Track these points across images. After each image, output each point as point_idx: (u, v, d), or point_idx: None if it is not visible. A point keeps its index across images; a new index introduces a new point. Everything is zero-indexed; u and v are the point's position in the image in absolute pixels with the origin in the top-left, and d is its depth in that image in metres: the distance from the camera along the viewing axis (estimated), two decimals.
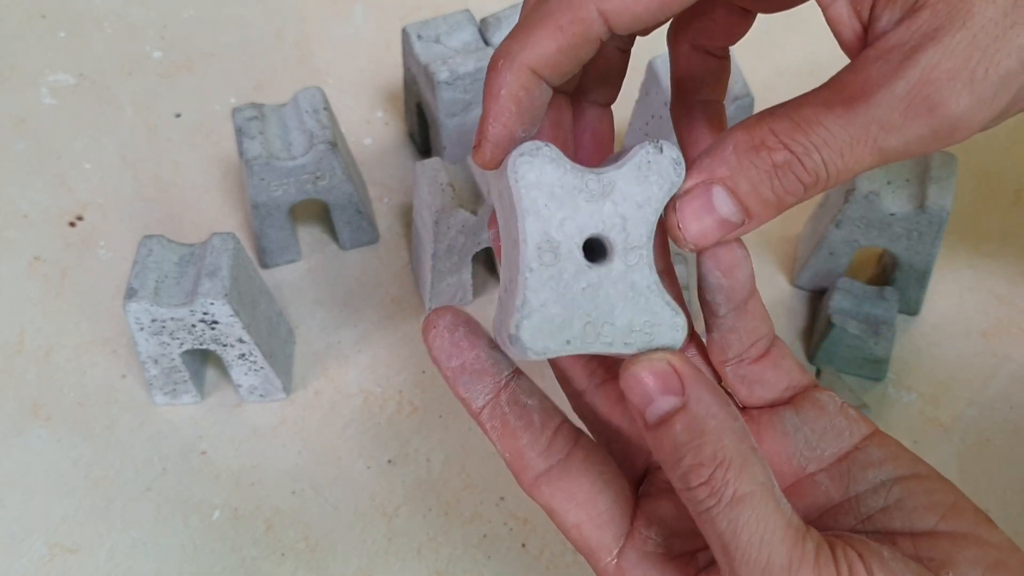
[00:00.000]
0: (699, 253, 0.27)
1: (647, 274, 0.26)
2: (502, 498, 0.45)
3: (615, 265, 0.26)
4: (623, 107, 0.58)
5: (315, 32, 0.63)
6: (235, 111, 0.48)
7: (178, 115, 0.59)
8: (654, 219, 0.26)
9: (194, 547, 0.43)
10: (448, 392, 0.48)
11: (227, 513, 0.44)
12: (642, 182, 0.26)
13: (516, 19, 0.51)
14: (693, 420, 0.25)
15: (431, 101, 0.51)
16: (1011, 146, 0.57)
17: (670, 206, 0.26)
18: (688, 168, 0.27)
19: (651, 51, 0.52)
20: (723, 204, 0.26)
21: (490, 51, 0.50)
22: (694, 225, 0.26)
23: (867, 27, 0.26)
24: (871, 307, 0.47)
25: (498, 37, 0.51)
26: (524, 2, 0.28)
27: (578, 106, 0.30)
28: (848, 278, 0.48)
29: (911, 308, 0.50)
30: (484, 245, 0.48)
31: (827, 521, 0.28)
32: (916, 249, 0.47)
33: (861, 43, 0.26)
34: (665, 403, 0.25)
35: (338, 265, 0.53)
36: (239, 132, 0.48)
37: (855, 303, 0.47)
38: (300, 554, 0.43)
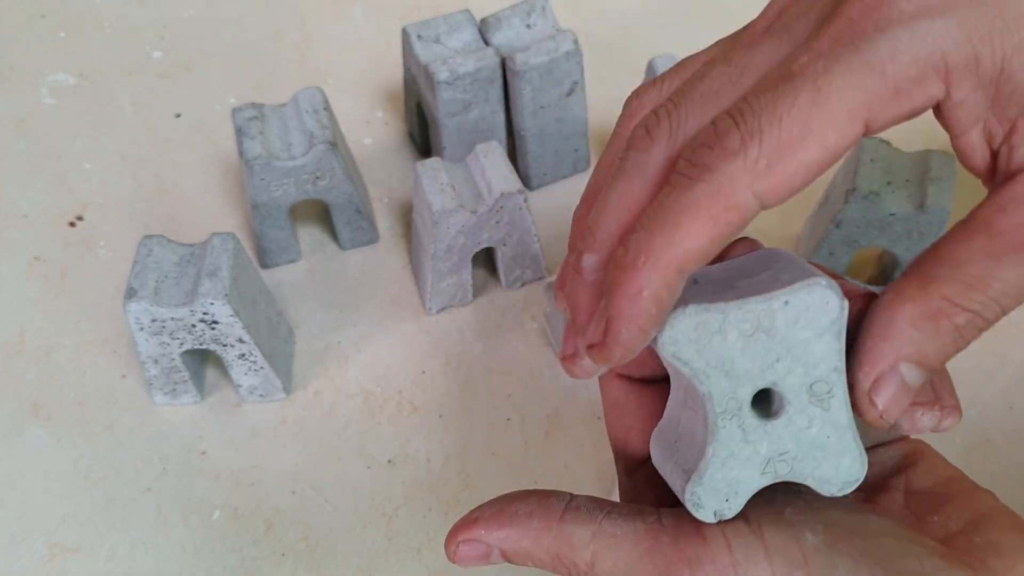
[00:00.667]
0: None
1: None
2: None
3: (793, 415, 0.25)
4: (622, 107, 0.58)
5: (315, 32, 0.63)
6: (235, 111, 0.48)
7: (178, 115, 0.59)
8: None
9: (194, 547, 0.43)
10: (448, 392, 0.48)
11: (227, 513, 0.44)
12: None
13: (516, 19, 0.51)
14: (517, 554, 0.27)
15: (431, 101, 0.51)
16: None
17: (866, 399, 0.25)
18: (865, 361, 0.25)
19: (651, 51, 0.52)
20: (914, 378, 0.25)
21: (490, 51, 0.50)
22: (895, 410, 0.25)
23: (996, 153, 0.25)
24: None
25: (498, 37, 0.51)
26: (600, 166, 0.27)
27: None
28: (848, 278, 0.48)
29: None
30: (484, 245, 0.48)
31: None
32: (916, 249, 0.47)
33: (991, 170, 0.25)
34: (493, 559, 0.28)
35: (338, 265, 0.53)
36: (239, 132, 0.48)
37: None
38: (300, 554, 0.43)
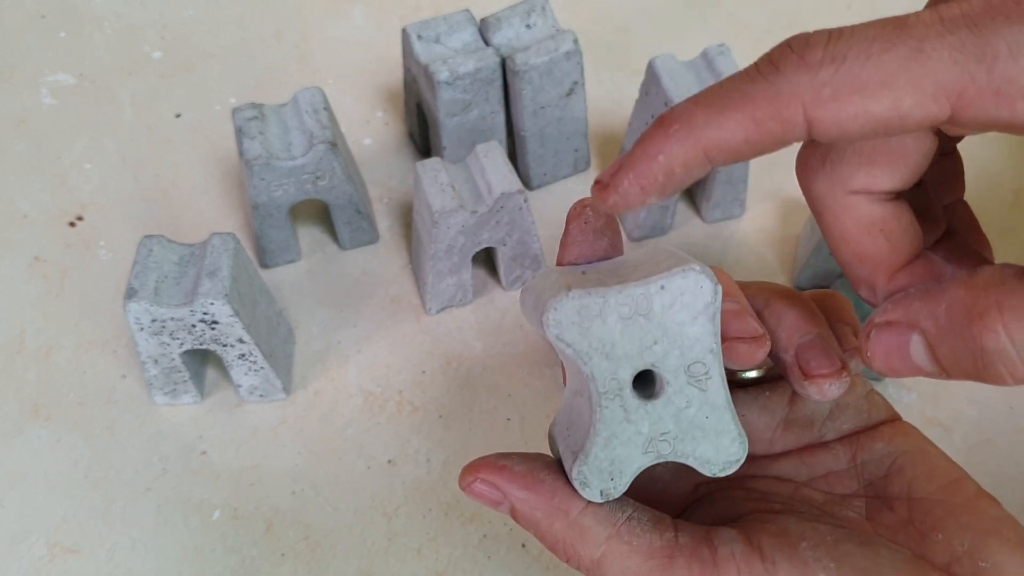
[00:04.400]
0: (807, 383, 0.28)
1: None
2: None
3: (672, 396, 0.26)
4: (623, 107, 0.58)
5: (315, 32, 0.63)
6: (235, 111, 0.48)
7: (178, 115, 0.59)
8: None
9: (194, 547, 0.43)
10: (448, 392, 0.48)
11: (227, 513, 0.44)
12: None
13: (516, 19, 0.51)
14: (524, 518, 0.28)
15: (431, 101, 0.51)
16: (1010, 147, 0.57)
17: (864, 332, 0.25)
18: (892, 299, 0.24)
19: (651, 51, 0.52)
20: (920, 356, 0.24)
21: (490, 51, 0.50)
22: (882, 362, 0.24)
23: None
24: (871, 307, 0.47)
25: (498, 37, 0.51)
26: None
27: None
28: (847, 278, 0.48)
29: None
30: (484, 245, 0.48)
31: (832, 483, 0.30)
32: None
33: None
34: (501, 508, 0.28)
35: (338, 265, 0.53)
36: (239, 132, 0.48)
37: (855, 303, 0.47)
38: (300, 554, 0.43)
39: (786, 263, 0.53)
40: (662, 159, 0.23)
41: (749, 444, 0.29)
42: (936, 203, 0.28)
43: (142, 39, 0.62)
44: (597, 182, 0.25)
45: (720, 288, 0.25)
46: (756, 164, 0.55)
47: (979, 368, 0.22)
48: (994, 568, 0.26)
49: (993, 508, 0.27)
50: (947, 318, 0.22)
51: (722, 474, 0.27)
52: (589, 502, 0.27)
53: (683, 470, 0.31)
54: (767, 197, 0.55)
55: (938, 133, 0.25)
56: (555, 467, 0.28)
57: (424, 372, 0.49)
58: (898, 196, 0.25)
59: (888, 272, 0.25)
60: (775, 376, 0.32)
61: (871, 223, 0.25)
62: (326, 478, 0.45)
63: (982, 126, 0.21)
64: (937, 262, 0.26)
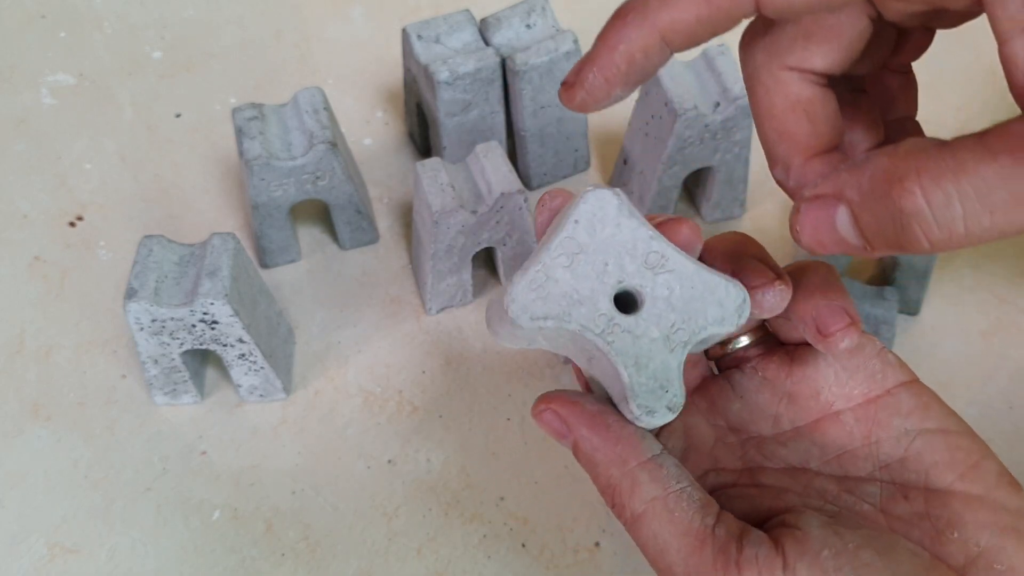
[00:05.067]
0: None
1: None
2: (502, 498, 0.45)
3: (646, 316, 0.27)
4: (623, 107, 0.58)
5: (315, 32, 0.63)
6: (235, 111, 0.48)
7: (178, 115, 0.59)
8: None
9: (194, 547, 0.43)
10: (448, 392, 0.48)
11: (227, 513, 0.44)
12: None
13: (516, 19, 0.51)
14: (584, 456, 0.28)
15: (431, 101, 0.51)
16: None
17: (794, 208, 0.25)
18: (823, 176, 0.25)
19: None
20: (845, 227, 0.24)
21: (490, 51, 0.50)
22: (810, 235, 0.24)
23: None
24: (871, 307, 0.47)
25: (498, 37, 0.51)
26: None
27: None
28: (848, 278, 0.48)
29: (911, 308, 0.50)
30: (484, 245, 0.48)
31: (845, 464, 0.29)
32: None
33: None
34: (565, 442, 0.28)
35: (338, 265, 0.53)
36: (239, 132, 0.48)
37: (855, 303, 0.47)
38: (300, 554, 0.43)
39: (786, 263, 0.53)
40: (622, 48, 0.24)
41: (754, 425, 0.31)
42: (882, 114, 0.29)
43: (142, 39, 0.62)
44: (563, 84, 0.26)
45: (619, 191, 0.28)
46: (756, 164, 0.55)
47: (898, 234, 0.22)
48: (1009, 572, 0.25)
49: (1014, 498, 0.27)
50: (869, 185, 0.23)
51: (740, 321, 0.27)
52: (650, 457, 0.27)
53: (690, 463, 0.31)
54: (767, 197, 0.55)
55: (877, 22, 0.26)
56: (625, 423, 0.28)
57: (424, 372, 0.48)
58: (828, 84, 0.26)
59: (804, 154, 0.26)
60: (766, 346, 0.31)
61: (797, 101, 0.26)
62: (326, 478, 0.45)
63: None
64: (858, 157, 0.26)
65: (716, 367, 0.33)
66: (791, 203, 0.59)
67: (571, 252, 0.27)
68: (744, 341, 0.31)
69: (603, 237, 0.27)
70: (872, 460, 0.29)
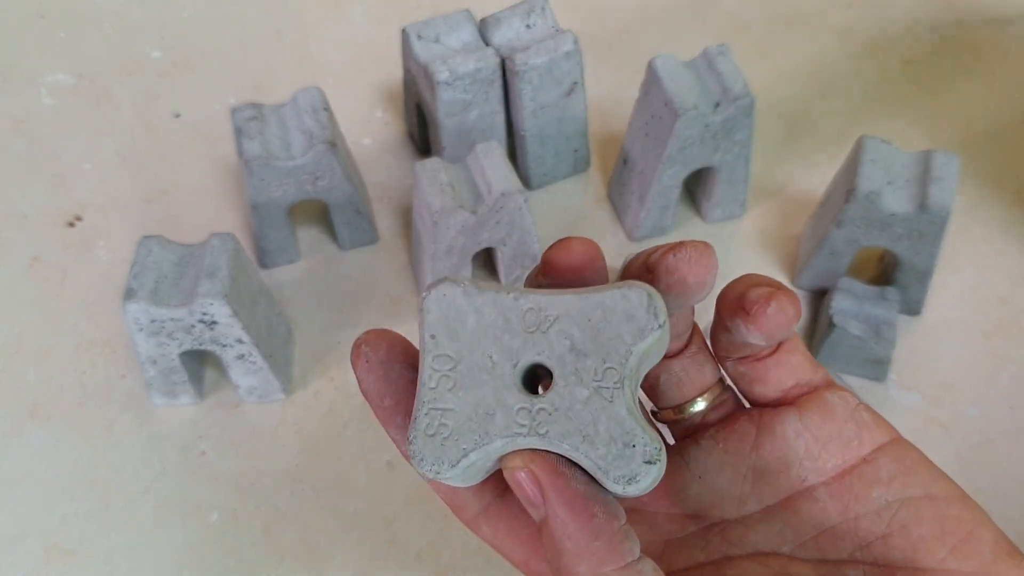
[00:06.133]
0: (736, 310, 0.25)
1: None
2: None
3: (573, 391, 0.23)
4: (624, 107, 0.58)
5: (314, 32, 0.63)
6: (234, 111, 0.48)
7: (177, 115, 0.59)
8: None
9: (192, 549, 0.43)
10: None
11: (226, 515, 0.44)
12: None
13: (516, 19, 0.51)
14: (552, 538, 0.23)
15: (430, 101, 0.50)
16: (1013, 146, 0.57)
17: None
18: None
19: (651, 51, 0.52)
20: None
21: (490, 51, 0.49)
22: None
23: None
24: (872, 307, 0.47)
25: (498, 37, 0.51)
26: None
27: None
28: (849, 278, 0.48)
29: (912, 308, 0.50)
30: (484, 245, 0.48)
31: (823, 546, 0.26)
32: (917, 249, 0.47)
33: None
34: (533, 511, 0.23)
35: (337, 265, 0.52)
36: (238, 132, 0.48)
37: (856, 303, 0.47)
38: (298, 556, 0.43)
39: (787, 263, 0.53)
40: None
41: (716, 509, 0.27)
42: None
43: (141, 39, 0.62)
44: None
45: (449, 278, 0.24)
46: (757, 164, 0.54)
47: None
48: None
49: (1013, 572, 0.24)
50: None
51: (661, 320, 0.23)
52: (628, 563, 0.23)
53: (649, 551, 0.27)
54: (768, 197, 0.55)
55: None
56: (612, 504, 0.24)
57: None
58: None
59: None
60: (726, 414, 0.28)
61: None
62: (325, 480, 0.45)
63: None
64: None
65: (671, 434, 0.29)
66: (792, 202, 0.59)
67: (447, 371, 0.23)
68: (701, 405, 0.27)
69: (469, 333, 0.23)
70: (852, 539, 0.25)
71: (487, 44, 0.51)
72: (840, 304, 0.47)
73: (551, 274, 0.25)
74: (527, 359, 0.23)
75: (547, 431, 0.23)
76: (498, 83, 0.50)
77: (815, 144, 0.57)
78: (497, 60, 0.49)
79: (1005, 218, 0.55)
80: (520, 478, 0.23)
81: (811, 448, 0.26)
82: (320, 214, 0.54)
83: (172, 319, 0.42)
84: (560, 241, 0.25)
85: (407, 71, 0.53)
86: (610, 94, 0.59)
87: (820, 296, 0.51)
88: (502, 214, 0.46)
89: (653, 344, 0.23)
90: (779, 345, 0.26)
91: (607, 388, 0.23)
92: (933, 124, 0.58)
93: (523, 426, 0.23)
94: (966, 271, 0.52)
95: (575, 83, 0.51)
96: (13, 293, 0.51)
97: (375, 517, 0.44)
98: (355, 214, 0.51)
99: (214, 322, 0.42)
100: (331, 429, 0.47)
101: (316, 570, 0.43)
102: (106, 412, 0.47)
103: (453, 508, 0.26)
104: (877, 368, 0.47)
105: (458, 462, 0.23)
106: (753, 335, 0.25)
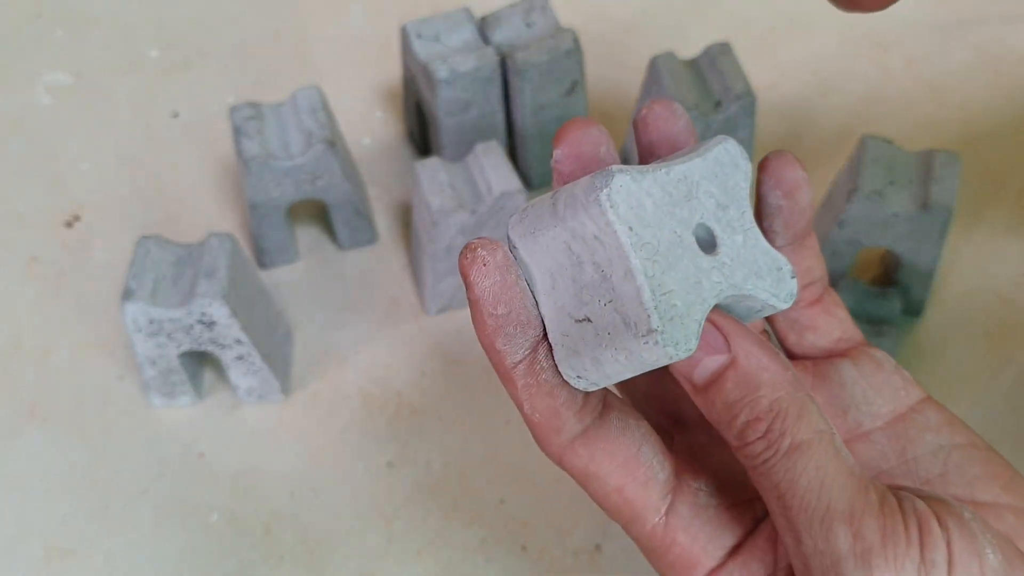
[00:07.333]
0: (761, 172, 0.28)
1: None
2: (502, 501, 0.44)
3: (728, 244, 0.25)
4: (624, 106, 0.58)
5: (313, 31, 0.63)
6: (233, 110, 0.48)
7: (176, 115, 0.59)
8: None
9: (191, 550, 0.43)
10: (447, 394, 0.48)
11: (225, 516, 0.44)
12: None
13: (516, 18, 0.51)
14: (744, 375, 0.24)
15: (430, 100, 0.50)
16: (1015, 145, 0.57)
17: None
18: None
19: (652, 50, 0.52)
20: None
21: (490, 50, 0.49)
22: None
23: None
24: (874, 308, 0.47)
25: (498, 35, 0.50)
26: None
27: None
28: (851, 278, 0.48)
29: (914, 309, 0.50)
30: None
31: (884, 481, 0.27)
32: (919, 249, 0.47)
33: None
34: (712, 362, 0.24)
35: (337, 265, 0.52)
36: (237, 131, 0.47)
37: (858, 303, 0.47)
38: (298, 557, 0.43)
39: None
40: None
41: None
42: None
43: (139, 38, 0.62)
44: None
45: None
46: (758, 163, 0.54)
47: None
48: None
49: None
50: None
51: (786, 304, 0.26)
52: (809, 392, 0.25)
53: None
54: None
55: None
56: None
57: (423, 373, 0.48)
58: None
59: None
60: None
61: None
62: (325, 480, 0.45)
63: None
64: None
65: None
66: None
67: (654, 257, 0.24)
68: None
69: (651, 216, 0.24)
70: (912, 478, 0.27)
71: (487, 43, 0.50)
72: None
73: (655, 142, 0.28)
74: (695, 223, 0.25)
75: (734, 280, 0.25)
76: (498, 82, 0.50)
77: (816, 143, 0.57)
78: (497, 59, 0.49)
79: (1007, 218, 0.54)
80: (703, 329, 0.24)
81: (867, 395, 0.28)
82: (319, 214, 0.54)
83: (171, 319, 0.42)
84: (643, 113, 0.27)
85: (407, 70, 0.53)
86: (611, 93, 0.59)
87: None
88: (502, 214, 0.46)
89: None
90: (823, 296, 0.29)
91: (749, 228, 0.26)
92: (935, 124, 0.58)
93: (720, 282, 0.25)
94: (968, 271, 0.52)
95: (575, 82, 0.51)
96: (11, 294, 0.51)
97: (375, 517, 0.44)
98: (354, 214, 0.51)
99: (213, 322, 0.42)
100: (331, 429, 0.46)
101: (316, 570, 0.43)
102: (105, 413, 0.47)
103: (547, 433, 0.26)
104: None
105: (697, 332, 0.24)
106: (773, 194, 0.28)
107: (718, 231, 0.25)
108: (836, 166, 0.51)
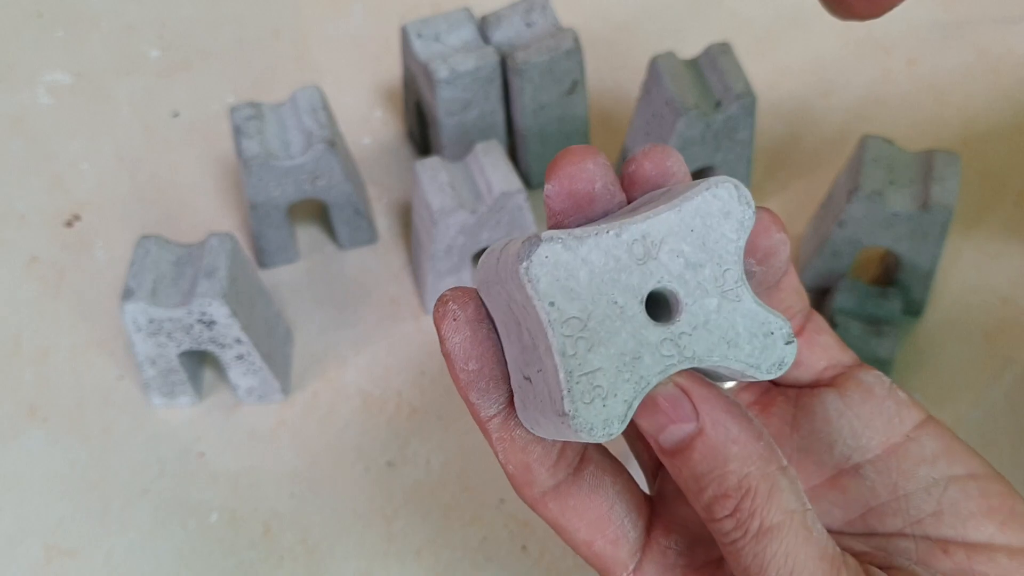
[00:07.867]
0: None
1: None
2: (502, 500, 0.44)
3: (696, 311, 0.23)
4: (625, 105, 0.58)
5: (313, 31, 0.63)
6: (233, 110, 0.48)
7: (176, 114, 0.59)
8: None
9: (192, 550, 0.43)
10: (447, 393, 0.48)
11: (225, 515, 0.44)
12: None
13: (516, 17, 0.51)
14: (712, 447, 0.23)
15: (430, 100, 0.50)
16: (1015, 146, 0.57)
17: None
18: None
19: (653, 49, 0.52)
20: None
21: (490, 49, 0.49)
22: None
23: None
24: (874, 307, 0.47)
25: (498, 35, 0.50)
26: None
27: None
28: (851, 278, 0.48)
29: (914, 309, 0.50)
30: (484, 245, 0.48)
31: (871, 522, 0.26)
32: (919, 249, 0.47)
33: None
34: (679, 431, 0.23)
35: (337, 265, 0.52)
36: (237, 131, 0.47)
37: (858, 303, 0.47)
38: (298, 557, 0.43)
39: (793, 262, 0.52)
40: None
41: None
42: None
43: (140, 38, 0.62)
44: None
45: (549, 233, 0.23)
46: (758, 164, 0.54)
47: None
48: None
49: None
50: None
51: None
52: (785, 465, 0.23)
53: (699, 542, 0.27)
54: (769, 197, 0.55)
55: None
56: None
57: (423, 373, 0.48)
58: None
59: None
60: (760, 394, 0.28)
61: None
62: (324, 480, 0.45)
63: None
64: None
65: None
66: (793, 202, 0.59)
67: (579, 333, 0.22)
68: (728, 384, 0.27)
69: (585, 287, 0.22)
70: (903, 516, 0.26)
71: (487, 42, 0.50)
72: (842, 304, 0.47)
73: (639, 185, 0.25)
74: (648, 290, 0.23)
75: (693, 352, 0.23)
76: (498, 82, 0.50)
77: (816, 143, 0.57)
78: (497, 58, 0.49)
79: (1007, 218, 0.54)
80: (670, 394, 0.23)
81: (855, 427, 0.26)
82: (319, 214, 0.54)
83: (170, 319, 0.42)
84: (637, 157, 0.25)
85: (407, 70, 0.53)
86: (611, 92, 0.59)
87: (822, 296, 0.51)
88: (502, 214, 0.46)
89: (750, 230, 0.24)
90: (804, 324, 0.27)
91: (731, 289, 0.23)
92: (935, 124, 0.58)
93: (670, 356, 0.22)
94: (968, 271, 0.52)
95: (576, 82, 0.51)
96: (11, 293, 0.51)
97: (375, 516, 0.44)
98: (354, 214, 0.51)
99: (213, 322, 0.42)
100: (330, 429, 0.46)
101: (316, 570, 0.42)
102: (104, 413, 0.47)
103: (520, 484, 0.25)
104: (879, 369, 0.47)
105: (625, 416, 0.22)
106: (746, 261, 0.25)
107: (682, 295, 0.23)
108: (836, 166, 0.51)
